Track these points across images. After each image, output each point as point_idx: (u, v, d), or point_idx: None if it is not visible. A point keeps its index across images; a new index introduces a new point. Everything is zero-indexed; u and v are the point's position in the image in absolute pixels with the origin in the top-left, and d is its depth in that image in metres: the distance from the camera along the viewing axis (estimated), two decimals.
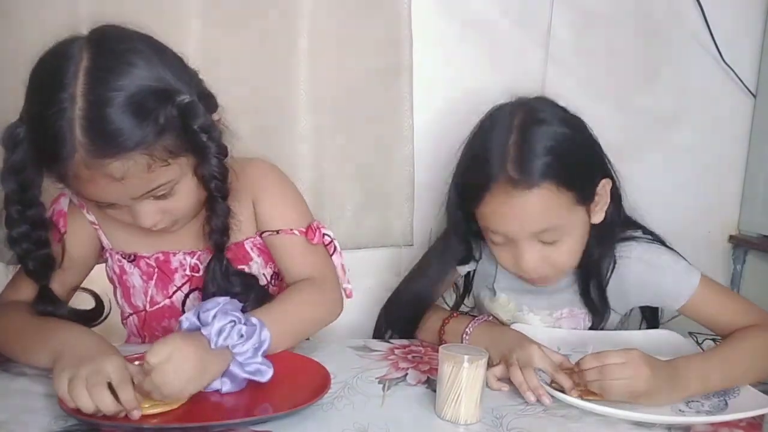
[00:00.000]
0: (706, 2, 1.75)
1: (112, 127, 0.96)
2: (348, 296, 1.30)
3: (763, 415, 1.03)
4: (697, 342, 1.34)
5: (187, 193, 1.10)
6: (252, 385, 1.06)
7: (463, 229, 1.32)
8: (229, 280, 1.20)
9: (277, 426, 0.95)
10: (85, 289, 1.25)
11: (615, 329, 1.39)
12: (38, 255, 1.11)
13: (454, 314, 1.32)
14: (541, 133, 1.17)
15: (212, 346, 1.00)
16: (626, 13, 1.75)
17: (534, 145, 1.16)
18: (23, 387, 1.05)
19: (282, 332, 1.11)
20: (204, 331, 1.01)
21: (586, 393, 1.07)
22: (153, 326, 1.28)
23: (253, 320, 1.06)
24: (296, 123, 1.58)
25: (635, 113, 1.80)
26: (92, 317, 1.22)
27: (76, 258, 1.21)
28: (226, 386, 1.04)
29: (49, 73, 1.00)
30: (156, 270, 1.25)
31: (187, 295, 1.27)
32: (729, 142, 1.88)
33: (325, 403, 1.03)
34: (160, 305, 1.27)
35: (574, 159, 1.19)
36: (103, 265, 1.30)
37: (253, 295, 1.21)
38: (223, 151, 1.10)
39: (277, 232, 1.25)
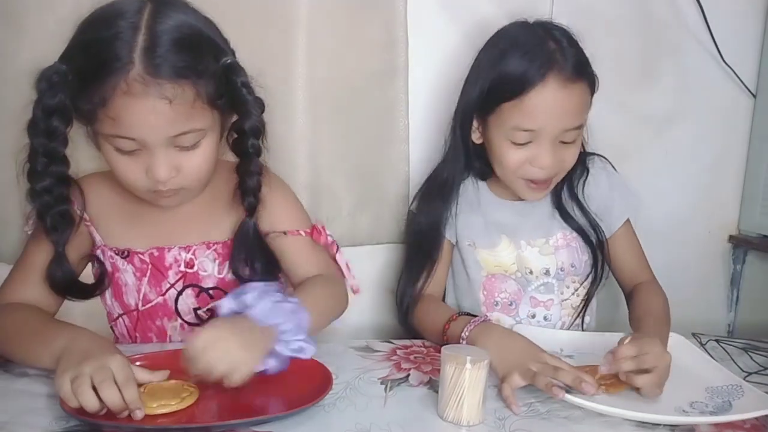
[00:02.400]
0: (706, 2, 1.75)
1: (170, 53, 1.03)
2: (355, 292, 1.34)
3: (767, 416, 1.02)
4: (700, 343, 1.34)
5: (206, 151, 1.12)
6: (253, 386, 1.05)
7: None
8: (257, 245, 1.25)
9: (279, 427, 0.95)
10: (93, 256, 1.25)
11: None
12: (58, 211, 1.13)
13: (454, 316, 1.29)
14: None
15: (260, 323, 1.03)
16: (626, 13, 1.75)
17: None
18: (24, 388, 1.04)
19: (313, 318, 1.13)
20: (250, 312, 1.03)
21: (610, 387, 1.10)
22: (146, 326, 1.28)
23: (293, 299, 1.08)
24: (294, 123, 1.58)
25: (635, 113, 1.80)
26: (94, 289, 1.24)
27: (69, 256, 1.20)
28: (270, 365, 1.04)
29: (108, 12, 1.06)
30: (149, 266, 1.25)
31: (180, 293, 1.26)
32: (729, 142, 1.88)
33: (327, 404, 1.03)
34: (153, 303, 1.26)
35: None
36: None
37: (274, 268, 1.27)
38: (261, 107, 1.17)
39: (285, 233, 1.27)
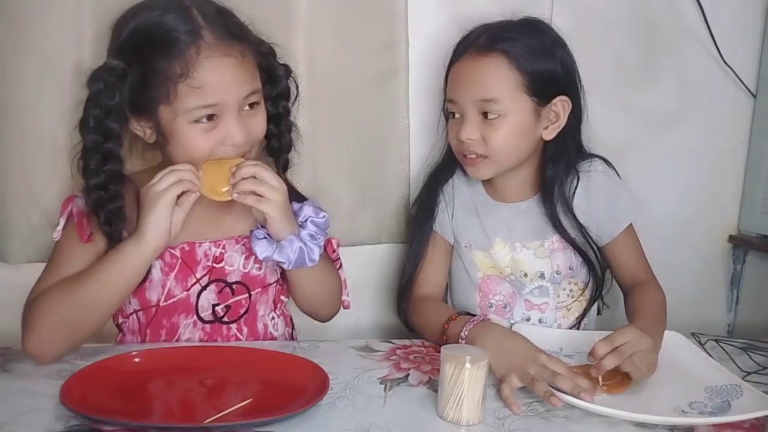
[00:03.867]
0: (706, 2, 1.75)
1: (222, 19, 1.17)
2: (345, 307, 1.41)
3: (766, 417, 1.02)
4: (699, 342, 1.34)
5: (263, 115, 1.24)
6: (253, 387, 1.08)
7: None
8: (297, 198, 1.33)
9: (279, 427, 0.95)
10: None
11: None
12: (111, 207, 1.18)
13: (453, 316, 1.30)
14: None
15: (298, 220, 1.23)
16: (626, 13, 1.75)
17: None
18: (23, 387, 1.05)
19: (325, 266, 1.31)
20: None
21: (611, 387, 1.10)
22: (160, 323, 1.27)
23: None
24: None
25: (635, 113, 1.79)
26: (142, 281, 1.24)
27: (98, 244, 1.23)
28: (277, 253, 1.19)
29: (147, 2, 1.17)
30: (179, 261, 1.26)
31: (203, 288, 1.27)
32: (729, 142, 1.87)
33: (327, 404, 1.03)
34: (176, 299, 1.27)
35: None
36: None
37: None
38: (288, 72, 1.31)
39: None
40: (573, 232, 1.42)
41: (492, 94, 1.33)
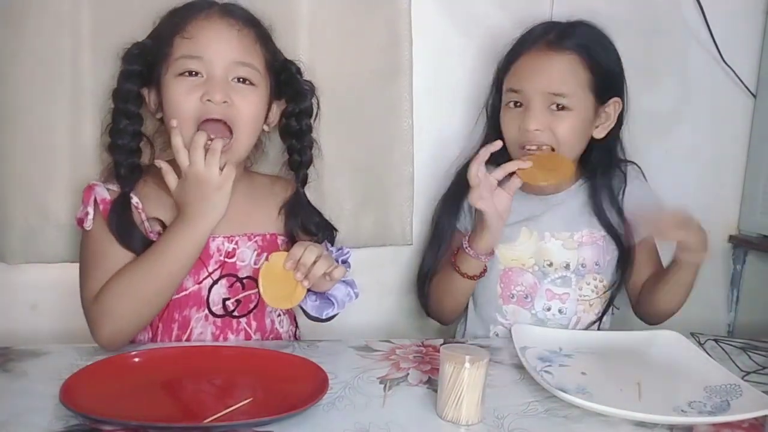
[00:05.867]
0: (706, 2, 1.75)
1: (243, 9, 1.30)
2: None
3: (765, 416, 1.02)
4: (699, 342, 1.34)
5: (257, 99, 1.28)
6: (252, 387, 1.08)
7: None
8: (310, 211, 1.43)
9: (278, 427, 0.95)
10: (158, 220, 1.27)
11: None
12: (129, 162, 1.28)
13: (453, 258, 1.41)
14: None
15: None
16: (626, 13, 1.74)
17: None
18: (23, 387, 1.05)
19: None
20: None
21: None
22: (172, 317, 1.28)
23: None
24: None
25: (635, 113, 1.79)
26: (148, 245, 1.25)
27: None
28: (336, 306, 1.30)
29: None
30: None
31: (215, 282, 1.29)
32: (729, 142, 1.87)
33: (326, 404, 1.03)
34: (188, 292, 1.28)
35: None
36: None
37: (326, 234, 1.43)
38: (312, 91, 1.41)
39: None
40: (614, 220, 1.46)
41: (563, 89, 1.37)
